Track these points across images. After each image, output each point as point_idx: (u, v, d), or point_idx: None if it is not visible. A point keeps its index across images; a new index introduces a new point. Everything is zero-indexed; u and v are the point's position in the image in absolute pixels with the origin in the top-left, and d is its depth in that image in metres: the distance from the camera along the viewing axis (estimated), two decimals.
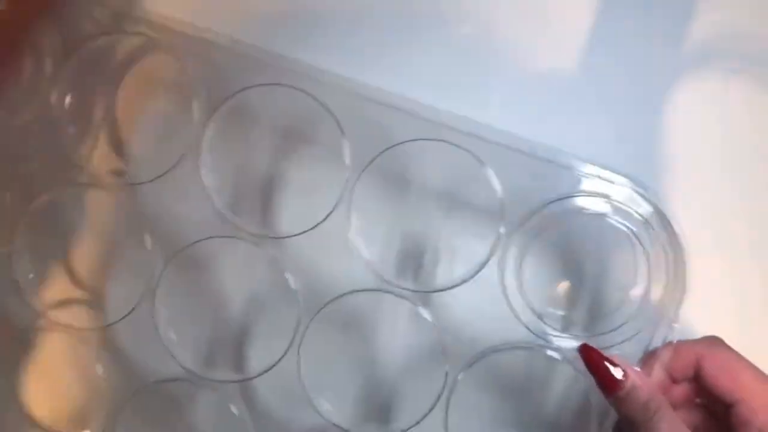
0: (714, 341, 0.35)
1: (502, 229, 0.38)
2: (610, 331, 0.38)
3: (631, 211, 0.37)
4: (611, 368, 0.35)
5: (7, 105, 0.42)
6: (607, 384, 0.35)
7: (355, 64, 0.40)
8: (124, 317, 0.41)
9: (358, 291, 0.40)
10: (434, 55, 0.42)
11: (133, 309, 0.41)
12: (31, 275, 0.43)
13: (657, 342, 0.37)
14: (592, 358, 0.36)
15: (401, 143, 0.38)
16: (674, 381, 0.36)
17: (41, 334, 0.43)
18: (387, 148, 0.38)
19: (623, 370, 0.35)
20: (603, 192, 0.37)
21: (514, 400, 0.41)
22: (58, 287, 0.43)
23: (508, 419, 0.41)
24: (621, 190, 0.37)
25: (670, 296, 0.37)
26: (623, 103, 0.41)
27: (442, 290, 0.39)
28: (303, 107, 0.40)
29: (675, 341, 0.36)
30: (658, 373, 0.36)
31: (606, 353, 0.36)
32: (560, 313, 0.40)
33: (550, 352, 0.39)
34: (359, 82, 0.39)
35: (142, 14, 0.41)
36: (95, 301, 0.43)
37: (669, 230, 0.36)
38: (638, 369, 0.36)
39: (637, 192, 0.37)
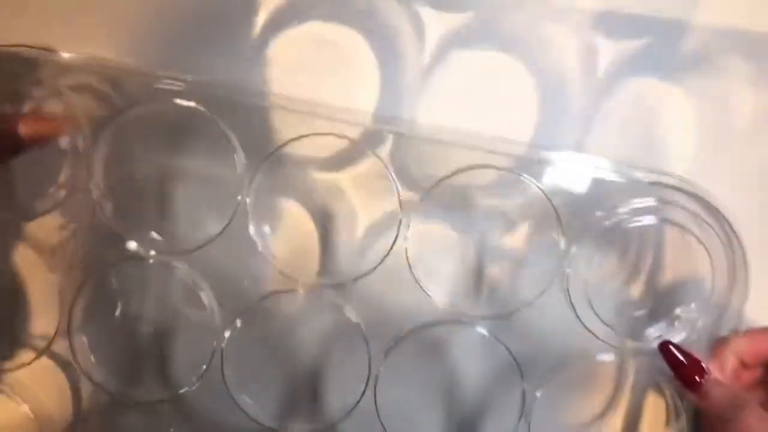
0: None
1: (562, 245, 0.39)
2: (680, 329, 0.39)
3: (682, 208, 0.38)
4: (691, 365, 0.36)
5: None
6: (688, 381, 0.36)
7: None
8: (195, 384, 0.41)
9: (426, 326, 0.40)
10: (453, 77, 0.42)
11: (203, 374, 0.40)
12: (92, 357, 0.42)
13: (725, 330, 0.38)
14: (672, 355, 0.37)
15: (449, 176, 0.39)
16: (745, 366, 0.38)
17: (112, 413, 0.43)
18: (436, 183, 0.39)
19: (704, 366, 0.36)
20: (655, 195, 0.39)
21: (594, 409, 0.42)
22: (122, 364, 0.43)
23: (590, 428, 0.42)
24: (670, 193, 0.38)
25: (733, 289, 0.38)
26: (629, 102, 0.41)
27: (510, 313, 0.40)
28: (343, 152, 0.41)
29: (747, 328, 0.37)
30: (732, 361, 0.37)
31: (685, 348, 0.37)
32: (630, 317, 0.41)
33: (624, 360, 0.40)
34: (391, 120, 0.40)
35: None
36: (162, 372, 0.43)
37: (725, 226, 0.37)
38: (716, 363, 0.37)
39: (685, 191, 0.38)
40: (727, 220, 0.37)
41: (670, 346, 0.37)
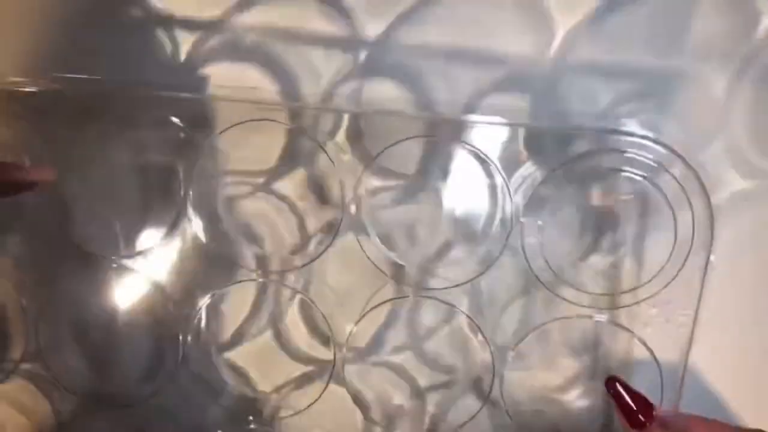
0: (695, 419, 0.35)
1: (510, 203, 0.38)
2: (643, 299, 0.38)
3: (645, 159, 0.36)
4: (638, 405, 0.36)
5: None
6: (634, 422, 0.35)
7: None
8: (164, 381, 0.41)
9: (387, 301, 0.40)
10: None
11: (170, 378, 0.41)
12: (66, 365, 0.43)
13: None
14: (618, 394, 0.36)
15: (392, 145, 0.37)
16: None
17: (91, 417, 0.43)
18: (378, 155, 0.37)
19: (652, 406, 0.36)
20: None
21: (568, 369, 0.41)
22: (92, 368, 0.43)
23: (558, 387, 0.41)
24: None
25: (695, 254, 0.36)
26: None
27: (467, 282, 0.38)
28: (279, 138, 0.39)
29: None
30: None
31: (634, 388, 0.36)
32: (591, 279, 0.39)
33: (596, 317, 0.39)
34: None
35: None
36: (128, 379, 0.43)
37: (691, 179, 0.35)
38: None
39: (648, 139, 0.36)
40: (693, 169, 0.35)
41: (617, 385, 0.36)
